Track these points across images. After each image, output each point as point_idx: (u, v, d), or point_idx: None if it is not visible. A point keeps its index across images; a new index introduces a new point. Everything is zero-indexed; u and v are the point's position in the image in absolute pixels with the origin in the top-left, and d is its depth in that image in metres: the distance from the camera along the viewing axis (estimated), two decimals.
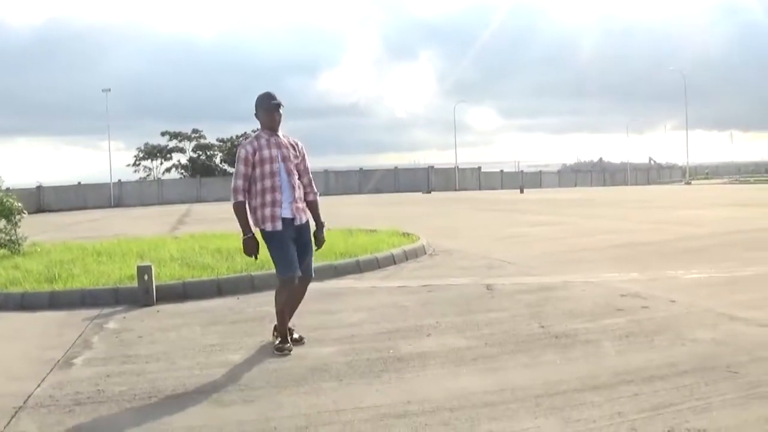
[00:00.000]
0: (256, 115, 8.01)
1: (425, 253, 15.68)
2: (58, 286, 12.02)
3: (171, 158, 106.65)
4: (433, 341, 7.94)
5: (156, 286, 11.29)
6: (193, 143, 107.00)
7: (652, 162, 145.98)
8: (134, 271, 11.69)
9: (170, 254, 14.97)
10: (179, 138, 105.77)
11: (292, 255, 7.83)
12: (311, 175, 8.28)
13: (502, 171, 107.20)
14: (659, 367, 6.53)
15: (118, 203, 79.75)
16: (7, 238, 16.89)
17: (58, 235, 26.38)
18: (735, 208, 29.24)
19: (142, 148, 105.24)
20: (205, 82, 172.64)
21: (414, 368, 6.90)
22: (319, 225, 8.30)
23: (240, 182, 7.90)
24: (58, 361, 7.86)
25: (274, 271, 12.21)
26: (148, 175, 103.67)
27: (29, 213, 18.12)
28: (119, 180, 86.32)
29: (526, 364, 6.92)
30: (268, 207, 7.81)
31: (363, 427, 5.41)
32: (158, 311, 10.56)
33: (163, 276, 12.17)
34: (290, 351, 7.69)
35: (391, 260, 14.19)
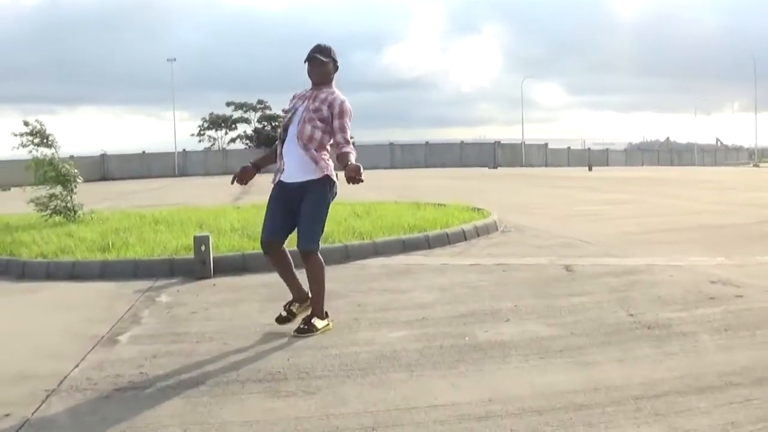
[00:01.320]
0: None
1: (497, 230, 14.87)
2: (111, 256, 11.49)
3: (236, 128, 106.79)
4: (513, 328, 7.16)
5: (214, 258, 10.67)
6: (258, 114, 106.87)
7: (719, 143, 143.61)
8: (191, 241, 11.07)
9: (231, 224, 14.34)
10: (244, 108, 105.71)
11: (266, 217, 7.55)
12: (347, 136, 7.31)
13: (569, 148, 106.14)
14: None
15: (183, 172, 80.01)
16: (63, 204, 16.41)
17: (118, 203, 26.00)
18: None
19: (207, 118, 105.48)
20: (270, 53, 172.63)
21: (494, 359, 6.12)
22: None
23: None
24: (103, 337, 7.25)
25: (339, 244, 11.76)
26: (212, 145, 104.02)
27: (93, 181, 17.63)
28: (183, 149, 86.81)
29: (619, 358, 6.09)
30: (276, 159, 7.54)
31: (438, 429, 4.64)
32: (214, 285, 9.94)
33: (221, 247, 11.55)
34: (278, 320, 7.45)
35: (462, 236, 13.42)
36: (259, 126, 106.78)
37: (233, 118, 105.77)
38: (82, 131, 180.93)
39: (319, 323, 7.12)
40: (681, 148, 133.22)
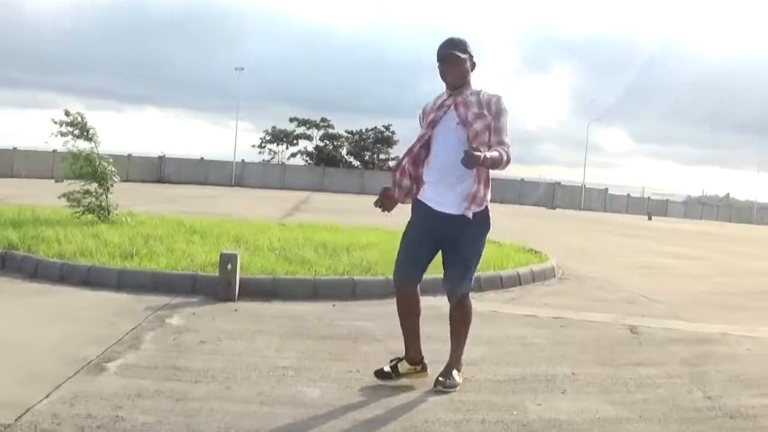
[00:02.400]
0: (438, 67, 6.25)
1: (554, 276, 13.66)
2: (132, 264, 10.57)
3: (297, 144, 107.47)
4: (570, 403, 5.97)
5: (241, 279, 9.65)
6: (321, 132, 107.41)
7: None
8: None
9: (270, 242, 13.37)
10: (307, 125, 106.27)
11: (407, 253, 6.22)
12: (504, 138, 5.97)
13: (628, 195, 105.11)
14: None
15: (239, 182, 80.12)
16: (97, 203, 15.61)
17: (166, 206, 25.21)
18: None
19: (270, 131, 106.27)
20: (339, 72, 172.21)
21: None
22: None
23: (410, 145, 6.30)
24: (91, 361, 6.27)
25: (380, 277, 10.68)
26: (272, 158, 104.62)
27: (149, 182, 16.85)
28: (242, 160, 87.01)
29: None
30: (411, 178, 6.26)
31: None
32: (236, 310, 8.90)
33: (252, 267, 10.52)
34: (379, 376, 6.18)
35: (517, 280, 12.25)
36: (321, 144, 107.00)
37: (295, 133, 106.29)
38: (146, 131, 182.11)
39: (458, 378, 6.14)
40: (740, 205, 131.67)
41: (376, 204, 6.24)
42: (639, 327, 9.30)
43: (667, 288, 13.58)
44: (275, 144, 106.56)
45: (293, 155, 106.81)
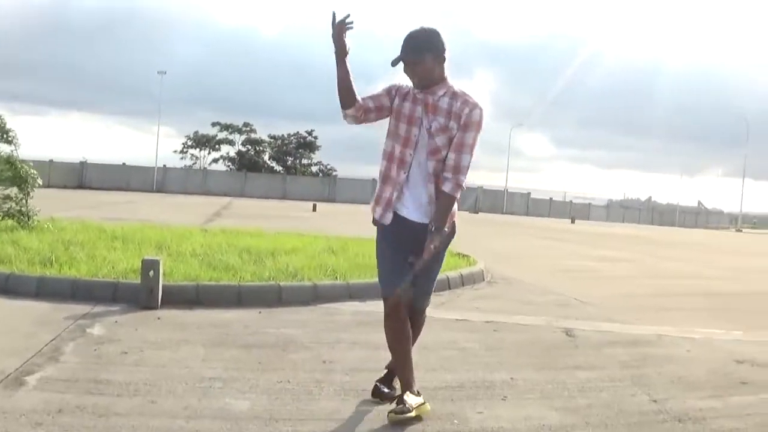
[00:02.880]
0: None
1: (483, 280, 13.52)
2: (51, 271, 10.19)
3: (219, 149, 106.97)
4: (512, 410, 5.77)
5: (163, 286, 9.33)
6: (244, 137, 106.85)
7: (701, 206, 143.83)
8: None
9: (192, 248, 13.03)
10: (230, 130, 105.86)
11: (392, 265, 5.58)
12: (463, 159, 5.43)
13: (551, 199, 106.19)
14: None
15: (161, 188, 79.32)
16: (17, 208, 15.13)
17: (87, 212, 24.63)
18: None
19: (192, 136, 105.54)
20: (261, 77, 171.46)
21: None
22: (435, 227, 5.38)
23: (367, 96, 5.61)
24: (9, 375, 5.92)
25: (307, 283, 10.45)
26: (194, 164, 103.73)
27: (70, 188, 16.40)
28: (164, 165, 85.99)
29: None
30: (388, 186, 5.59)
31: None
32: (159, 318, 8.58)
33: (175, 274, 10.21)
34: (409, 411, 5.27)
35: (446, 284, 12.03)
36: (243, 149, 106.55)
37: (218, 138, 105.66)
38: (69, 137, 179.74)
39: (413, 400, 5.44)
40: (662, 209, 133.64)
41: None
42: (573, 330, 9.23)
43: (596, 291, 13.59)
44: (197, 149, 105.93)
45: (215, 161, 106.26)
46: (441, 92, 5.45)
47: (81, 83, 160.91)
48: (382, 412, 5.49)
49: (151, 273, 9.10)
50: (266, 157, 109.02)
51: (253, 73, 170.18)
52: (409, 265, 5.38)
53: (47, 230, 14.73)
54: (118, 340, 7.36)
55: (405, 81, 5.60)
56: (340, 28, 5.32)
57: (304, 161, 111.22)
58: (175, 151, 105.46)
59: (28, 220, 15.07)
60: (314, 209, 47.22)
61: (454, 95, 5.44)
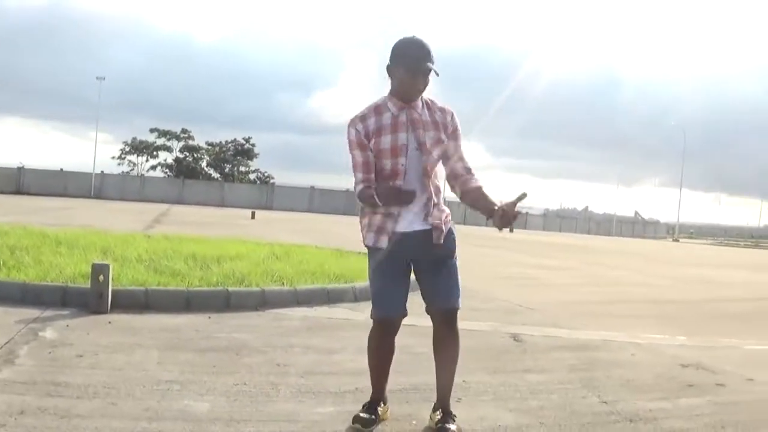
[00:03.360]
0: (388, 68, 5.20)
1: None
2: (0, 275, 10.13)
3: (157, 156, 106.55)
4: (468, 411, 5.88)
5: (112, 291, 9.31)
6: (182, 143, 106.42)
7: (638, 216, 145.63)
8: (89, 269, 9.75)
9: (137, 254, 12.98)
10: (168, 136, 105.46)
11: (387, 288, 5.50)
12: (467, 161, 5.43)
13: None
14: None
15: (98, 194, 78.84)
16: None
17: (27, 218, 24.58)
18: (750, 270, 28.60)
19: (129, 142, 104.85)
20: (199, 84, 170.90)
21: None
22: (498, 205, 5.18)
23: (360, 175, 5.25)
24: None
25: (255, 288, 10.50)
26: (131, 170, 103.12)
27: (7, 193, 16.29)
28: (102, 171, 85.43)
29: None
30: (378, 214, 5.29)
31: None
32: (110, 322, 8.56)
33: (123, 279, 10.19)
34: (361, 423, 5.27)
35: None
36: (181, 156, 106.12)
37: (156, 144, 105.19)
38: (4, 142, 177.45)
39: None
40: (599, 218, 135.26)
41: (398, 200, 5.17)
42: (521, 335, 9.40)
43: (540, 297, 13.92)
44: (135, 155, 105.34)
45: (153, 167, 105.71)
46: (420, 105, 5.27)
47: (15, 88, 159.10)
48: (341, 413, 5.58)
49: (101, 278, 9.09)
50: (204, 164, 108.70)
51: (191, 80, 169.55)
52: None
53: None
54: (71, 344, 7.34)
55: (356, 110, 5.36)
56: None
57: (242, 168, 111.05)
58: (113, 157, 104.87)
59: None
60: (253, 216, 47.18)
61: (428, 106, 5.31)
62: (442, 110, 5.32)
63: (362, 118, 5.23)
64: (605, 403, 6.40)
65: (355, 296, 11.26)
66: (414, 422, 5.52)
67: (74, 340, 7.56)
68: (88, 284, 9.40)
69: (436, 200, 5.30)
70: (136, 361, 6.87)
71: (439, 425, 5.28)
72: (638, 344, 9.39)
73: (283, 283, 11.16)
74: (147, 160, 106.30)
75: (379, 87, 5.19)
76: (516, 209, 5.08)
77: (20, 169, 79.23)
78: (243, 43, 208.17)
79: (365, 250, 5.46)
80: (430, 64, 5.06)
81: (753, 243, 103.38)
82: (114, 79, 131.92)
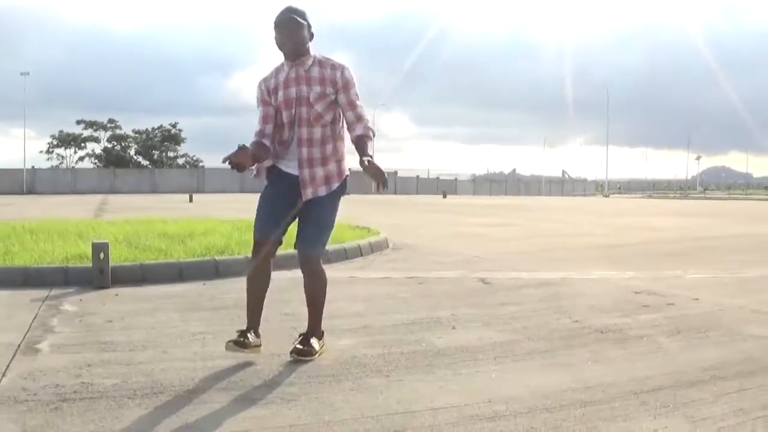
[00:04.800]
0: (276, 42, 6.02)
1: (388, 247, 14.67)
2: None
3: (85, 147, 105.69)
4: (465, 334, 6.91)
5: (111, 267, 10.02)
6: (109, 133, 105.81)
7: (565, 175, 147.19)
8: (81, 250, 10.89)
9: (114, 236, 13.56)
10: (94, 127, 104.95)
11: (264, 212, 6.09)
12: (360, 110, 6.04)
13: (417, 177, 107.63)
14: (741, 362, 5.94)
15: (30, 190, 78.31)
16: None
17: None
18: (677, 217, 29.87)
19: (57, 135, 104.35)
20: (120, 73, 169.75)
21: (466, 363, 5.86)
22: (367, 159, 5.81)
23: (257, 127, 6.02)
24: (18, 346, 6.53)
25: (239, 256, 11.27)
26: (60, 163, 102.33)
27: None
28: (33, 167, 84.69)
29: (592, 359, 6.04)
30: (271, 159, 6.11)
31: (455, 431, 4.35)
32: (117, 294, 9.26)
33: (114, 257, 10.68)
34: (231, 347, 5.87)
35: (358, 252, 13.12)
36: (109, 146, 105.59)
37: (83, 136, 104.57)
38: None
39: (316, 344, 6.16)
40: (527, 180, 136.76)
41: (228, 161, 5.58)
42: (487, 278, 10.43)
43: (493, 249, 14.84)
44: (63, 149, 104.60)
45: (81, 158, 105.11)
46: (309, 62, 5.97)
47: None
48: (361, 343, 6.50)
49: (101, 255, 9.80)
50: (132, 153, 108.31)
51: (111, 69, 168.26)
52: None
53: None
54: (94, 313, 8.05)
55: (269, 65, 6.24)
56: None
57: (170, 154, 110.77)
58: (41, 152, 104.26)
59: None
60: (191, 200, 47.43)
61: (320, 63, 5.98)
62: (333, 66, 5.99)
63: (266, 78, 6.11)
64: (577, 321, 7.50)
65: (328, 258, 12.01)
66: (424, 344, 6.47)
67: (94, 309, 8.27)
68: (85, 264, 10.20)
69: (320, 154, 6.00)
70: (162, 321, 7.64)
71: (293, 347, 6.09)
72: (593, 279, 10.52)
73: None
74: (75, 152, 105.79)
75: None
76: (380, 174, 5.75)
77: None
78: (158, 28, 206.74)
79: None
80: (293, 15, 5.86)
81: (681, 194, 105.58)
82: (32, 74, 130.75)
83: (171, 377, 5.51)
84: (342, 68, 6.00)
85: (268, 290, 6.34)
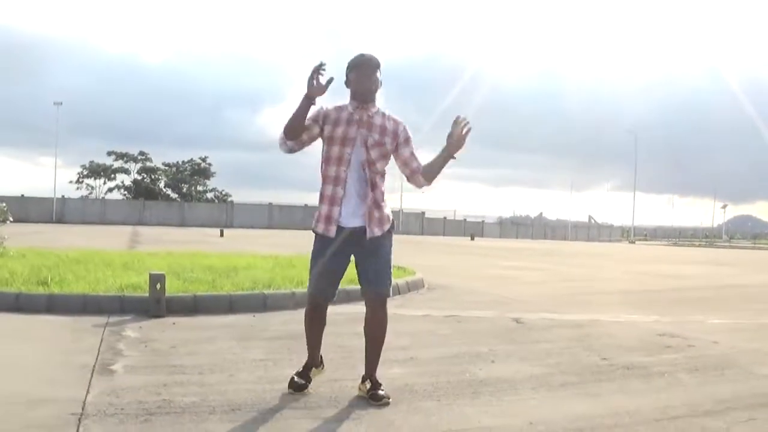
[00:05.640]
0: (346, 81, 6.20)
1: (424, 287, 15.22)
2: (56, 290, 11.28)
3: (115, 178, 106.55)
4: (504, 367, 7.54)
5: (166, 297, 10.61)
6: (139, 165, 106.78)
7: (592, 220, 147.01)
8: (132, 280, 11.56)
9: (159, 268, 14.14)
10: (125, 159, 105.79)
11: (322, 272, 6.24)
12: (419, 161, 6.28)
13: (445, 218, 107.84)
14: (753, 396, 6.56)
15: (60, 219, 78.96)
16: None
17: (9, 243, 25.34)
18: (702, 265, 30.27)
19: (87, 165, 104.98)
20: (149, 105, 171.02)
21: (506, 392, 6.49)
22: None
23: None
24: (94, 366, 7.09)
25: (286, 290, 11.85)
26: (90, 194, 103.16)
27: None
28: (63, 196, 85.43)
29: (619, 391, 6.69)
30: (325, 204, 6.17)
31: None
32: (174, 323, 9.84)
33: (167, 288, 11.37)
34: (295, 388, 6.36)
35: (396, 291, 13.57)
36: (139, 178, 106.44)
37: (113, 167, 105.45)
38: None
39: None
40: (553, 224, 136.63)
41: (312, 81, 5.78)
42: (521, 318, 10.99)
43: (523, 291, 15.50)
44: (93, 179, 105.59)
45: (110, 190, 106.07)
46: (374, 110, 6.17)
47: None
48: (410, 373, 7.09)
49: (158, 286, 10.42)
50: (162, 185, 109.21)
51: (141, 101, 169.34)
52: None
53: (13, 257, 15.88)
54: (156, 340, 8.61)
55: (330, 103, 6.23)
56: (314, 71, 5.77)
57: (200, 188, 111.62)
58: (71, 182, 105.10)
59: None
60: (222, 234, 48.14)
61: (384, 115, 6.20)
62: (395, 121, 6.24)
63: (328, 109, 6.18)
64: (605, 359, 8.14)
65: None
66: (467, 375, 7.11)
67: (156, 336, 8.82)
68: (139, 293, 10.84)
69: (373, 197, 6.14)
70: (222, 348, 8.20)
71: (371, 392, 6.17)
72: (620, 322, 11.14)
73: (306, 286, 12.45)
74: (105, 183, 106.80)
75: (325, 99, 6.04)
76: (460, 128, 6.04)
77: None
78: (188, 61, 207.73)
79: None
80: (375, 61, 6.13)
81: (707, 242, 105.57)
82: (63, 103, 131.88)
83: (244, 397, 6.08)
84: (403, 124, 6.26)
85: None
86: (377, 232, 6.16)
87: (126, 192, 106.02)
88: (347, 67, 6.18)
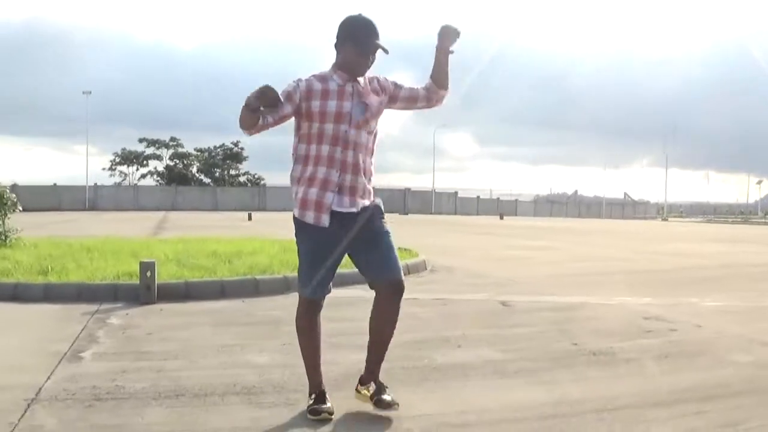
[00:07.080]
0: (336, 45, 5.50)
1: (425, 269, 15.34)
2: (53, 279, 11.53)
3: (147, 165, 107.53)
4: (467, 353, 7.57)
5: (157, 284, 10.80)
6: (171, 151, 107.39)
7: (627, 198, 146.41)
8: (131, 268, 11.54)
9: (165, 254, 14.43)
10: (157, 145, 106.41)
11: (320, 270, 5.45)
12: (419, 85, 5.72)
13: (478, 197, 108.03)
14: (712, 387, 6.38)
15: (93, 206, 79.70)
16: None
17: (37, 231, 25.67)
18: (724, 243, 29.88)
19: (119, 152, 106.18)
20: (182, 92, 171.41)
21: (456, 378, 6.53)
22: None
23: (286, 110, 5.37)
24: (65, 353, 7.31)
25: (278, 275, 11.96)
26: (123, 180, 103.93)
27: None
28: (95, 183, 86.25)
29: (572, 379, 6.60)
30: (315, 187, 5.40)
31: None
32: (161, 309, 10.05)
33: (162, 275, 11.55)
34: (325, 415, 5.34)
35: None
36: (171, 164, 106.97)
37: (145, 154, 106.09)
38: None
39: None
40: (589, 201, 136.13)
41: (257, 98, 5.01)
42: (509, 301, 11.02)
43: (528, 273, 15.53)
44: (125, 166, 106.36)
45: (143, 176, 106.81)
46: (362, 80, 5.51)
47: None
48: (364, 360, 7.11)
49: (149, 273, 10.57)
50: (194, 170, 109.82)
51: (173, 88, 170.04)
52: None
53: (24, 247, 16.11)
54: (137, 326, 8.81)
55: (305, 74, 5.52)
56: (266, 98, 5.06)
57: (232, 172, 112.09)
58: (104, 169, 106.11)
59: (6, 239, 16.56)
60: (249, 218, 48.33)
61: (371, 80, 5.56)
62: (372, 79, 5.56)
63: (308, 80, 5.41)
64: (575, 344, 8.07)
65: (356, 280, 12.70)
66: (426, 361, 7.21)
67: (138, 323, 9.02)
68: (134, 281, 10.96)
69: (365, 180, 5.53)
70: (196, 335, 8.37)
71: (376, 397, 5.53)
72: (610, 304, 11.01)
73: None
74: (137, 170, 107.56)
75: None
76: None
77: (14, 186, 79.72)
78: (221, 46, 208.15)
79: None
80: (377, 42, 5.38)
81: (742, 219, 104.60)
82: (94, 91, 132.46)
83: (194, 383, 6.21)
84: (379, 77, 5.62)
85: (293, 311, 5.87)
86: (367, 203, 5.51)
87: (159, 178, 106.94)
88: (340, 32, 5.46)
